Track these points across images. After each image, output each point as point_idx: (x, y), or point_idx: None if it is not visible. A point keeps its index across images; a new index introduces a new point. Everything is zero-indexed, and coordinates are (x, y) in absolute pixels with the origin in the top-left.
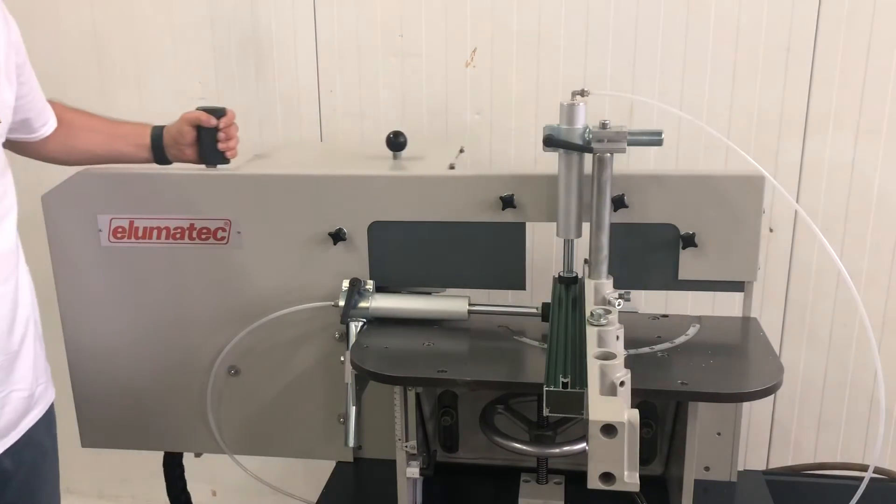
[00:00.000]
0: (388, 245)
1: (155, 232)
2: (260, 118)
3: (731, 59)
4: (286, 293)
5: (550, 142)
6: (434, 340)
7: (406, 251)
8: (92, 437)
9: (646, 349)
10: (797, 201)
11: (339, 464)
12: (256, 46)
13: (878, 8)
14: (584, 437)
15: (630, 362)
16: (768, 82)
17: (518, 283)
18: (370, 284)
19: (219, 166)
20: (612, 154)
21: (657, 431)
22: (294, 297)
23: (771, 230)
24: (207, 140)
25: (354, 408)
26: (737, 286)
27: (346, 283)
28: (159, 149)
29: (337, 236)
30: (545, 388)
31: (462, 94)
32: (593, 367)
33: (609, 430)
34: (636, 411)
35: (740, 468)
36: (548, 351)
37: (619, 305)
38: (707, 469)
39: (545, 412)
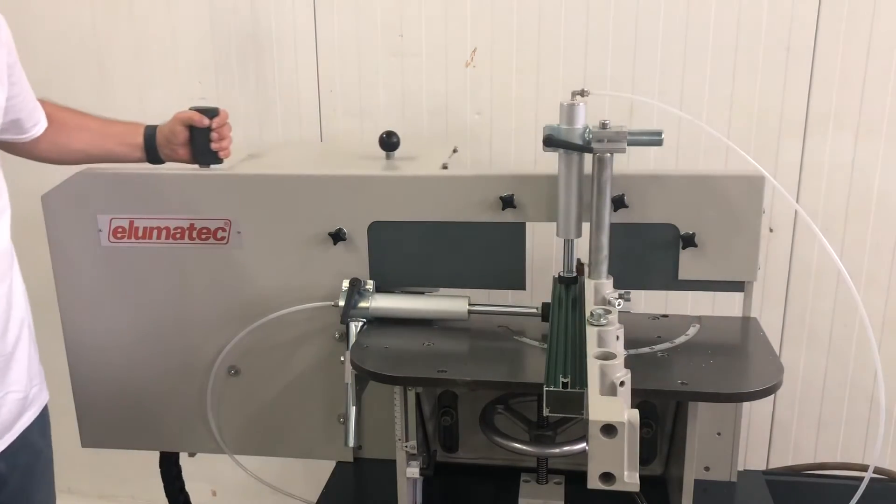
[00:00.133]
0: (388, 245)
1: (155, 232)
2: (260, 118)
3: (731, 59)
4: (286, 293)
5: (550, 142)
6: (434, 340)
7: (406, 251)
8: (92, 437)
9: (646, 349)
10: (797, 201)
11: (339, 464)
12: (256, 46)
13: (878, 8)
14: (584, 437)
15: (630, 362)
16: (768, 82)
17: (518, 283)
18: (370, 284)
19: (212, 166)
20: (612, 154)
21: (657, 431)
22: (294, 297)
23: (771, 230)
24: (200, 140)
25: (354, 408)
26: (737, 286)
27: (346, 283)
28: (152, 148)
29: (337, 236)
30: (545, 388)
31: (462, 94)
32: (593, 367)
33: (609, 430)
34: (636, 411)
35: (740, 468)
36: (548, 351)
37: (619, 305)
38: (707, 469)
39: (545, 412)
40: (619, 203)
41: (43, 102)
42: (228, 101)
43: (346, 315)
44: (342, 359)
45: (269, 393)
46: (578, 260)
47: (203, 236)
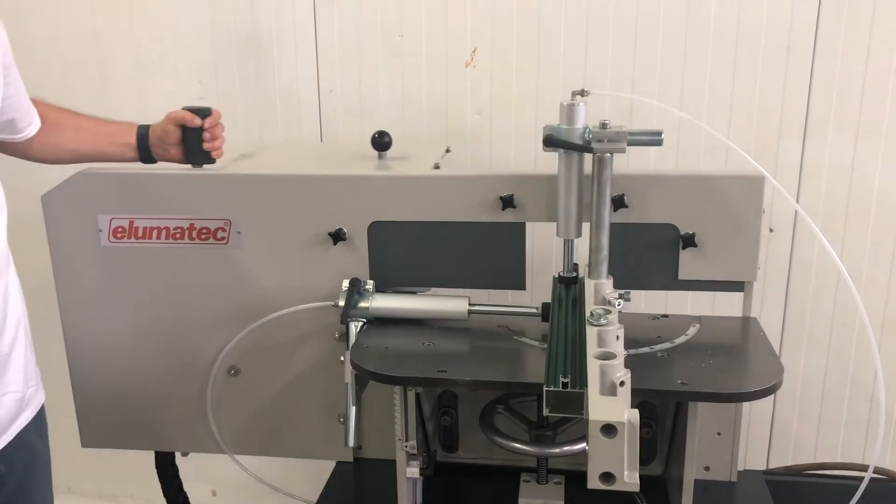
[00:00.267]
0: (388, 245)
1: (155, 232)
2: (260, 118)
3: (731, 59)
4: (286, 293)
5: (550, 142)
6: (434, 340)
7: (406, 251)
8: (92, 437)
9: (646, 349)
10: (797, 201)
11: (339, 464)
12: (256, 46)
13: (878, 8)
14: (584, 437)
15: (630, 362)
16: (768, 82)
17: (518, 283)
18: (370, 284)
19: (206, 166)
20: (612, 154)
21: (657, 431)
22: (294, 297)
23: (771, 230)
24: (192, 140)
25: (354, 408)
26: (737, 286)
27: (346, 283)
28: (145, 148)
29: (337, 236)
30: (545, 388)
31: (462, 94)
32: (593, 367)
33: (609, 430)
34: (636, 411)
35: (740, 468)
36: (548, 351)
37: (619, 305)
38: (707, 469)
39: (545, 412)
40: (619, 203)
41: (36, 102)
42: (228, 101)
43: (346, 315)
44: (342, 359)
45: (269, 393)
46: (575, 265)
47: (203, 236)
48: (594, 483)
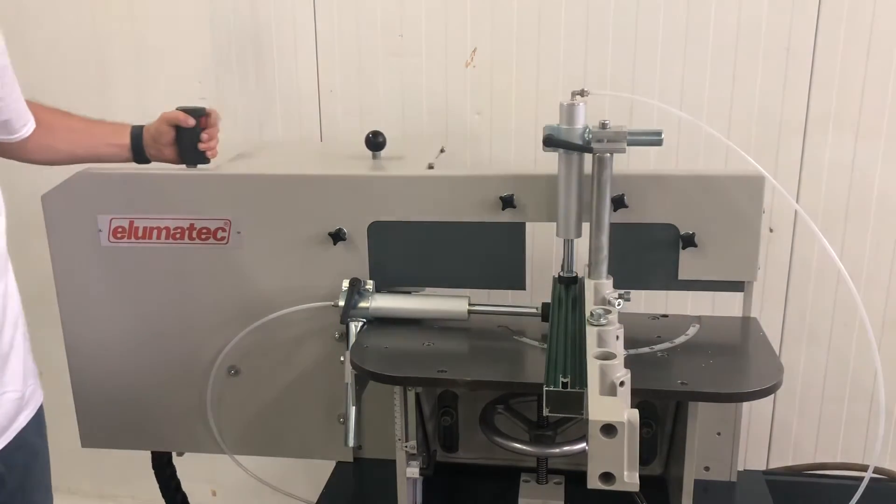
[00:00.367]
0: (388, 245)
1: (155, 232)
2: (260, 118)
3: (731, 59)
4: (286, 293)
5: (550, 142)
6: (434, 340)
7: (406, 251)
8: (92, 437)
9: (646, 349)
10: (797, 201)
11: (339, 464)
12: (256, 46)
13: (878, 8)
14: (584, 437)
15: (630, 362)
16: (768, 82)
17: (518, 283)
18: (370, 284)
19: (201, 166)
20: (612, 154)
21: (657, 431)
22: (294, 297)
23: (771, 230)
24: (187, 140)
25: (354, 408)
26: (737, 286)
27: (346, 283)
28: (139, 148)
29: (337, 236)
30: (545, 388)
31: (462, 94)
32: (593, 367)
33: (609, 430)
34: (636, 411)
35: (740, 468)
36: (548, 351)
37: (619, 305)
38: (707, 469)
39: (545, 412)
40: (619, 203)
41: (30, 104)
42: (228, 101)
43: (346, 315)
44: (342, 359)
45: (269, 393)
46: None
47: (203, 236)
48: (594, 483)
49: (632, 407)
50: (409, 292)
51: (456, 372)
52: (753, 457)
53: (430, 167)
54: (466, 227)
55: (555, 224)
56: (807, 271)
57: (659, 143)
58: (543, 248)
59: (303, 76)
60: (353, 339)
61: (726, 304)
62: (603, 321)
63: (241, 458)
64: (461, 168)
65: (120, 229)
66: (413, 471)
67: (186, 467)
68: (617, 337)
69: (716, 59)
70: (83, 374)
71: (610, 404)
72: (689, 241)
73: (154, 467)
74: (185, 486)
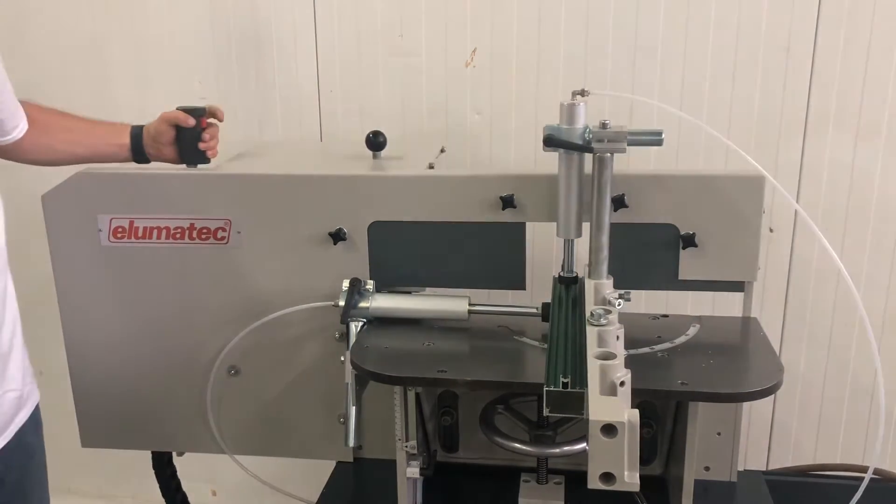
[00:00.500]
0: (388, 245)
1: (155, 232)
2: (260, 118)
3: (731, 59)
4: (286, 293)
5: (550, 142)
6: (434, 340)
7: (406, 251)
8: (92, 437)
9: (646, 349)
10: (797, 201)
11: (339, 464)
12: (256, 46)
13: (878, 8)
14: (584, 437)
15: (630, 362)
16: (768, 82)
17: (518, 283)
18: (370, 284)
19: (201, 166)
20: (612, 154)
21: (657, 431)
22: (294, 297)
23: (771, 230)
24: (187, 139)
25: (354, 408)
26: (737, 286)
27: (346, 283)
28: (138, 148)
29: (337, 236)
30: (545, 388)
31: (462, 94)
32: (593, 367)
33: (609, 430)
34: (636, 411)
35: (740, 468)
36: (548, 351)
37: (619, 305)
38: (707, 469)
39: (545, 412)
40: (619, 203)
41: (26, 104)
42: (228, 101)
43: (346, 315)
44: (342, 359)
45: (269, 393)
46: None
47: (203, 236)
48: (594, 483)
49: (632, 407)
50: (409, 292)
51: (456, 372)
52: (753, 457)
53: (431, 167)
54: (466, 227)
55: (555, 224)
56: (807, 271)
57: (659, 143)
58: (543, 248)
59: (303, 76)
60: (353, 339)
61: (726, 304)
62: (603, 321)
63: (241, 458)
64: (461, 168)
65: (120, 229)
66: (413, 471)
67: (186, 467)
68: (617, 337)
69: (716, 59)
70: (83, 374)
71: (610, 404)
72: (689, 241)
73: (154, 467)
74: (185, 486)
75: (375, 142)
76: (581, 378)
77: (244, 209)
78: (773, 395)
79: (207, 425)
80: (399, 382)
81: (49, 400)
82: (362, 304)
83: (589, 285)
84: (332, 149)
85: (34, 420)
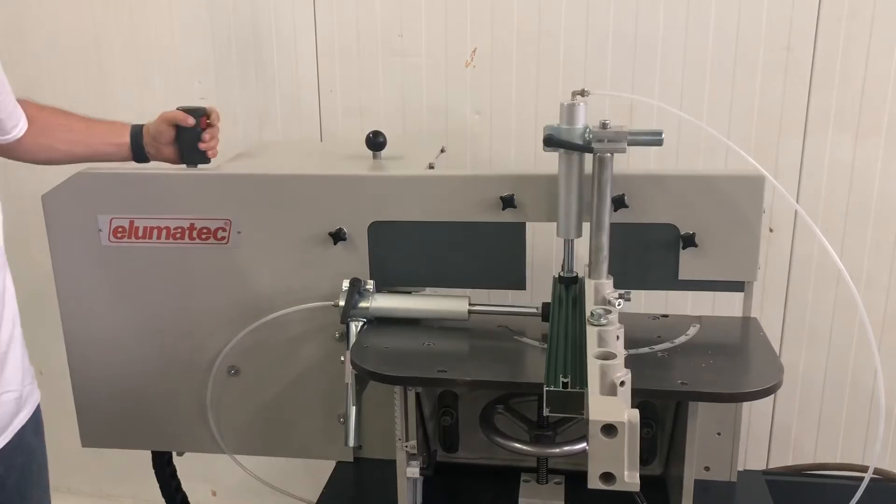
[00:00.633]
0: (388, 245)
1: (155, 232)
2: (260, 118)
3: (731, 59)
4: (286, 293)
5: (550, 142)
6: (434, 340)
7: (406, 251)
8: (92, 437)
9: (646, 349)
10: (797, 201)
11: (339, 464)
12: (256, 46)
13: (878, 8)
14: (584, 437)
15: (630, 362)
16: (768, 82)
17: (518, 283)
18: (370, 284)
19: (201, 166)
20: (612, 154)
21: (657, 431)
22: (294, 297)
23: (771, 230)
24: (187, 139)
25: (354, 408)
26: (737, 286)
27: (346, 283)
28: (138, 147)
29: (337, 236)
30: (545, 388)
31: (462, 94)
32: (593, 367)
33: (609, 430)
34: (636, 411)
35: (740, 468)
36: (548, 351)
37: (619, 305)
38: (707, 469)
39: (545, 412)
40: (619, 203)
41: (25, 103)
42: (228, 101)
43: (346, 315)
44: (342, 359)
45: (269, 393)
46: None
47: (203, 236)
48: (594, 483)
49: (632, 407)
50: (409, 292)
51: (456, 372)
52: (753, 457)
53: (431, 167)
54: (466, 227)
55: (555, 224)
56: (807, 271)
57: (659, 143)
58: (543, 248)
59: (303, 76)
60: (353, 338)
61: (726, 304)
62: (603, 321)
63: (241, 458)
64: (461, 168)
65: (120, 229)
66: (413, 471)
67: (186, 467)
68: (617, 337)
69: (716, 59)
70: (83, 374)
71: (610, 404)
72: (689, 241)
73: (154, 467)
74: (185, 486)
75: (375, 142)
76: (581, 378)
77: (244, 209)
78: (773, 395)
79: (207, 425)
80: (399, 382)
81: (49, 400)
82: (362, 304)
83: (589, 285)
84: (332, 149)
85: (34, 421)
